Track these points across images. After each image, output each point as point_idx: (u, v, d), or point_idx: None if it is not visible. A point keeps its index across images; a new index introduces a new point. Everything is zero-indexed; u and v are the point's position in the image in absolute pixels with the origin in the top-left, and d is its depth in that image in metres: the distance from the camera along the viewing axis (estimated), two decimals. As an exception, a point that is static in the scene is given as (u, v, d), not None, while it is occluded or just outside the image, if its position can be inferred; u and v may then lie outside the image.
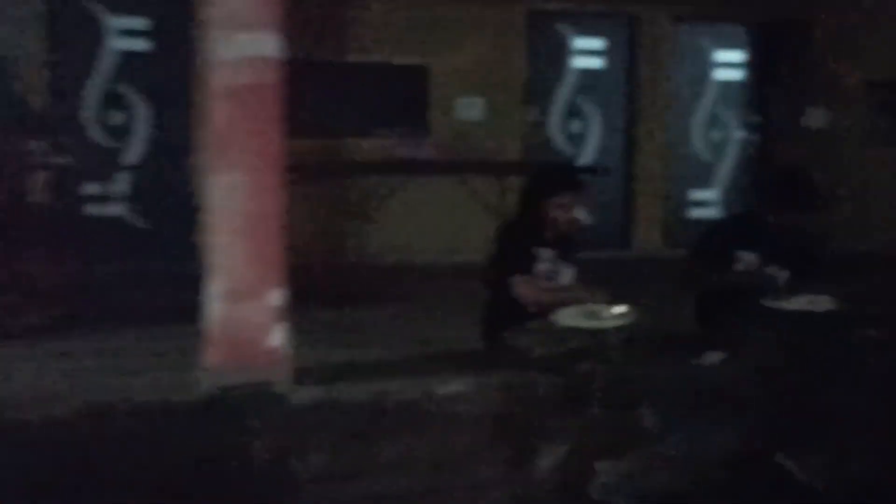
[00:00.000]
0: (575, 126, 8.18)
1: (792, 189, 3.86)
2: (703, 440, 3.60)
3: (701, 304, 4.02)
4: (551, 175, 3.82)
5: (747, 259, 3.97)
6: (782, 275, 4.00)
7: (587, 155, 8.22)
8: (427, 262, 6.45)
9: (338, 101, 6.89)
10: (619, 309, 3.48)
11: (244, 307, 3.40)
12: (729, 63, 8.63)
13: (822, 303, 3.77)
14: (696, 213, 8.55)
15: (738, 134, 8.66)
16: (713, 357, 3.84)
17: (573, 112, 8.16)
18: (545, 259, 3.62)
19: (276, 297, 3.45)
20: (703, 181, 8.63)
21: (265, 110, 3.33)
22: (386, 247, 6.74)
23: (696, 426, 3.63)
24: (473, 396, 3.49)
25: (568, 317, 3.43)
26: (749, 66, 8.65)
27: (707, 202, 8.62)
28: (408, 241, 6.71)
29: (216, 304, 3.40)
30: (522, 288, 3.53)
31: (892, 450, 3.88)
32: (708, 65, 8.57)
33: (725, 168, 8.66)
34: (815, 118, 8.57)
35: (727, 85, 8.63)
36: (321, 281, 5.30)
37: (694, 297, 4.04)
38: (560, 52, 8.09)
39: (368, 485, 3.12)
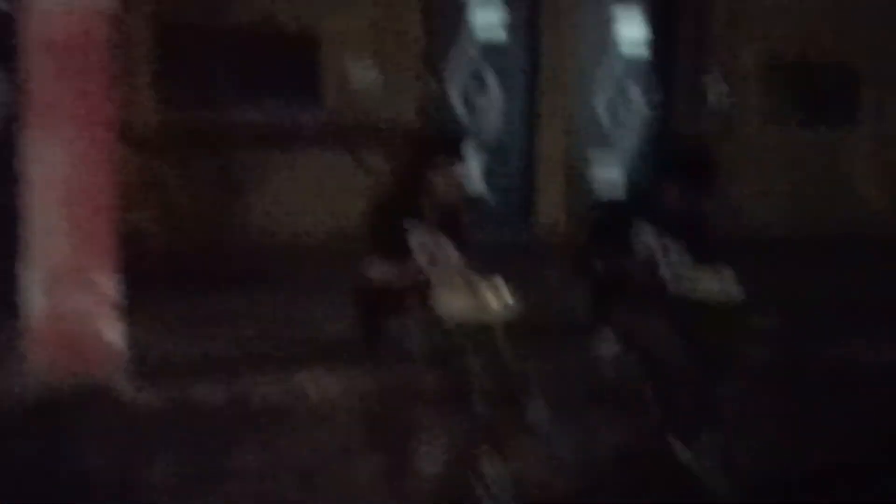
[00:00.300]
0: (475, 97, 7.83)
1: (692, 168, 3.59)
2: (594, 434, 3.34)
3: (597, 289, 3.73)
4: (429, 141, 3.42)
5: (646, 239, 3.69)
6: (682, 255, 3.75)
7: (488, 128, 7.90)
8: (315, 241, 6.00)
9: (219, 68, 6.33)
10: (509, 297, 3.14)
11: (69, 295, 2.92)
12: (632, 38, 8.42)
13: (726, 281, 3.53)
14: (600, 189, 8.35)
15: (642, 109, 8.48)
16: (609, 347, 3.56)
17: (474, 82, 7.80)
18: (421, 238, 3.23)
19: (107, 283, 2.97)
20: (607, 157, 8.43)
21: (93, 68, 2.84)
22: (270, 226, 6.26)
23: (587, 420, 3.36)
24: (349, 394, 3.11)
25: (451, 306, 3.07)
26: (652, 42, 8.47)
27: (611, 178, 8.43)
28: (294, 219, 6.23)
29: (37, 292, 2.91)
30: (381, 271, 3.13)
31: (786, 435, 3.73)
32: (611, 39, 8.34)
33: (629, 143, 8.49)
34: (717, 95, 8.47)
35: (630, 60, 8.42)
36: (194, 264, 4.81)
37: (590, 283, 3.74)
38: (460, 18, 7.71)
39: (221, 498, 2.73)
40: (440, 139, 3.41)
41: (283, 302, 4.35)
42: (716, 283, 3.50)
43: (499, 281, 3.19)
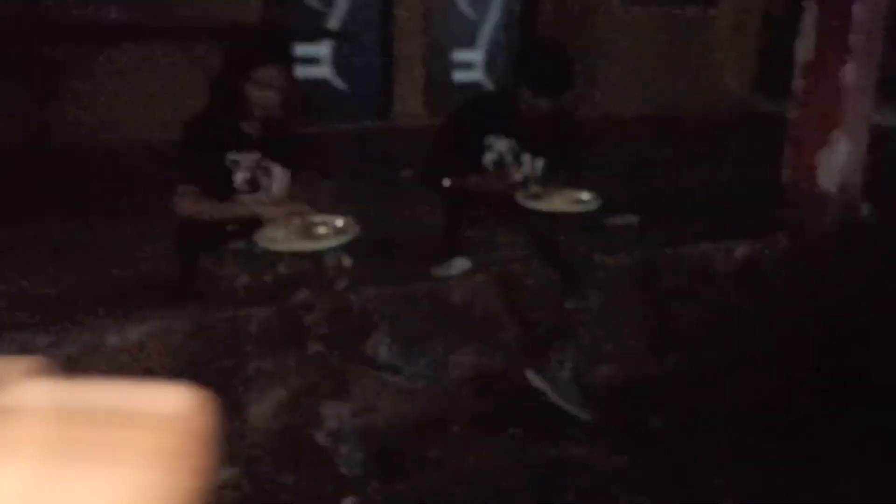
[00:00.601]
0: (322, -21, 7.22)
1: (544, 69, 3.27)
2: (444, 364, 3.13)
3: (447, 205, 3.45)
4: (247, 43, 2.95)
5: (500, 147, 3.41)
6: (538, 164, 3.50)
7: (338, 13, 7.33)
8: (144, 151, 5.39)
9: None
10: (340, 222, 2.81)
11: None
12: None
13: (583, 200, 3.31)
14: (459, 76, 7.99)
15: (502, -4, 8.09)
16: (458, 266, 3.31)
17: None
18: (241, 161, 2.82)
19: None
20: (467, 41, 8.04)
21: None
22: (93, 132, 5.59)
23: (436, 349, 3.15)
24: (162, 338, 2.74)
25: (275, 237, 2.72)
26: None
27: (471, 64, 8.07)
28: (112, 121, 5.56)
29: None
30: (183, 204, 2.73)
31: (646, 351, 3.66)
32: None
33: (489, 27, 8.11)
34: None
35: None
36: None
37: (440, 198, 3.45)
38: None
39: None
40: (257, 36, 2.93)
41: (101, 225, 3.84)
42: (570, 201, 3.30)
43: (333, 218, 2.86)
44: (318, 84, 7.38)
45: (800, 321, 3.77)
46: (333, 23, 7.34)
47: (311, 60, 7.34)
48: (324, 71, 7.45)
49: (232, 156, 2.80)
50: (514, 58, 3.40)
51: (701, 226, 4.08)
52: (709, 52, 8.87)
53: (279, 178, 2.92)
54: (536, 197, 3.29)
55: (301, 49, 7.20)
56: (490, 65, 8.03)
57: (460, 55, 7.97)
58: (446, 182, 3.32)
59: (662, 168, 5.75)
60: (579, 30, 8.07)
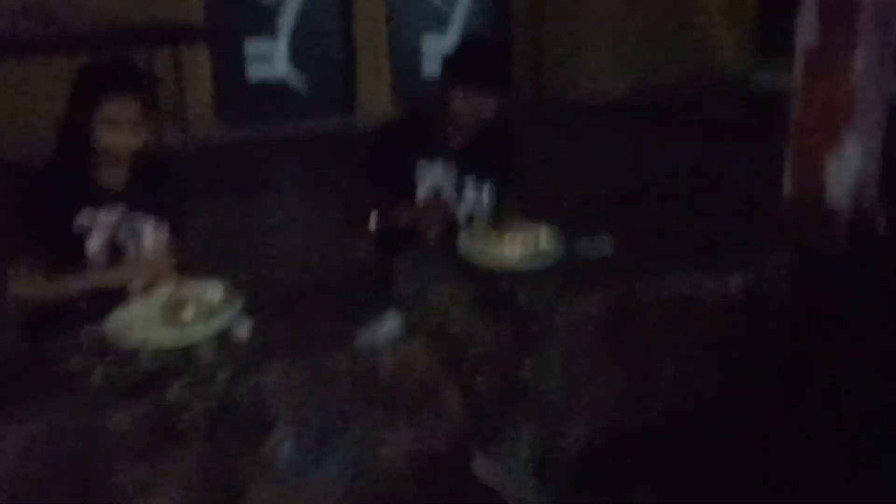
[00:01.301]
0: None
1: (476, 60, 2.70)
2: (368, 456, 2.55)
3: (376, 250, 2.86)
4: (92, 71, 2.31)
5: (435, 173, 2.82)
6: (484, 191, 2.91)
7: (292, 5, 6.69)
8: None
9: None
10: (221, 295, 2.23)
11: None
12: None
13: (544, 248, 2.74)
14: (429, 67, 7.36)
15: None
16: (387, 326, 2.72)
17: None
18: (95, 223, 2.24)
19: None
20: (436, 28, 7.39)
21: None
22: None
23: (357, 437, 2.56)
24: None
25: (130, 323, 2.13)
26: None
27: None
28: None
29: None
30: (20, 284, 2.16)
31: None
32: None
33: (461, 13, 7.46)
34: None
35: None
36: None
37: (367, 238, 2.86)
38: None
39: None
40: (102, 63, 2.30)
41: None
42: (525, 248, 2.70)
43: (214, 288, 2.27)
44: (272, 84, 6.78)
45: (806, 362, 3.17)
46: (287, 16, 6.71)
47: (264, 58, 6.73)
48: (279, 69, 6.82)
49: (82, 218, 2.21)
50: (442, 62, 2.79)
51: (686, 247, 3.47)
52: (702, 22, 8.19)
53: (150, 238, 2.32)
54: (483, 245, 2.69)
55: (254, 47, 6.61)
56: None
57: (431, 43, 7.33)
58: (372, 221, 2.73)
59: (644, 164, 5.15)
60: (561, 5, 7.42)
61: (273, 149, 6.19)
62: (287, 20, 6.68)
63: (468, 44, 2.94)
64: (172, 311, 2.14)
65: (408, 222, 2.69)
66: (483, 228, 2.78)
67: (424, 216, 2.70)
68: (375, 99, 6.91)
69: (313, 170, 5.09)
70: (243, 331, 2.76)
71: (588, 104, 7.08)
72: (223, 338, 2.23)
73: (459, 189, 2.84)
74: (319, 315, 2.84)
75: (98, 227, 2.23)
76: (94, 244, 2.23)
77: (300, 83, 6.88)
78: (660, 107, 7.11)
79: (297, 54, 6.78)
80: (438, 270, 2.74)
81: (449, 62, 2.75)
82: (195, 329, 2.10)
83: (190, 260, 2.43)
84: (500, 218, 2.85)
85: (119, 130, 2.17)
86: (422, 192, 2.77)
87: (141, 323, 2.12)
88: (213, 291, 2.22)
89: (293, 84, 6.84)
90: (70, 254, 2.20)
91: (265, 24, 6.62)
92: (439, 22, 7.33)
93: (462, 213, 2.84)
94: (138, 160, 2.33)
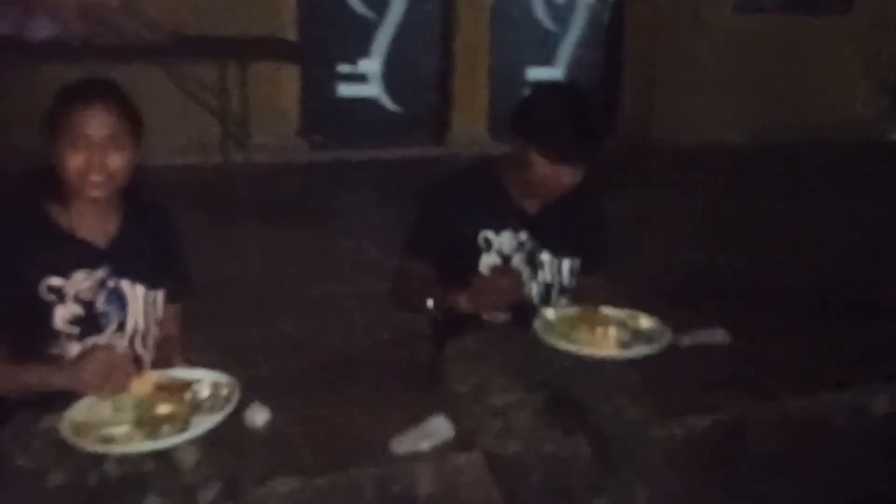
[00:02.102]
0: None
1: (563, 122, 2.13)
2: None
3: (431, 336, 2.35)
4: (63, 91, 1.83)
5: (504, 244, 2.30)
6: (565, 269, 2.36)
7: (390, 21, 6.29)
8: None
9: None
10: (212, 386, 1.75)
11: None
12: None
13: (642, 331, 2.19)
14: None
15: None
16: (434, 434, 2.19)
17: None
18: (67, 286, 1.79)
19: None
20: (543, 56, 6.87)
21: None
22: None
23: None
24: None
25: (97, 420, 1.67)
26: None
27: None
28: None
29: None
30: None
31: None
32: None
33: (570, 44, 6.92)
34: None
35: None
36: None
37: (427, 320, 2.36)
38: None
39: None
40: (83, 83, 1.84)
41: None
42: (609, 335, 2.14)
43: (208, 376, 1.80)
44: (365, 104, 6.39)
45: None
46: (385, 32, 6.32)
47: (359, 77, 6.35)
48: (372, 89, 6.43)
49: (51, 280, 1.77)
50: (516, 110, 2.25)
51: (816, 351, 2.83)
52: (834, 69, 7.40)
53: (135, 305, 1.87)
54: (561, 333, 2.15)
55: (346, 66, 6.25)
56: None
57: (535, 72, 6.81)
58: (429, 303, 2.22)
59: (763, 227, 4.48)
60: (676, 44, 6.80)
61: (354, 173, 5.78)
62: (383, 39, 6.29)
63: (559, 94, 2.28)
64: (147, 406, 1.68)
65: (468, 302, 2.17)
66: (561, 312, 2.24)
67: (488, 294, 2.17)
68: (470, 129, 6.43)
69: (392, 201, 4.62)
70: (257, 420, 2.31)
71: (700, 151, 6.42)
72: (212, 441, 1.75)
73: (533, 263, 2.30)
74: (352, 408, 2.34)
75: (71, 292, 1.78)
76: (65, 314, 1.77)
77: (392, 105, 6.47)
78: (781, 157, 6.39)
79: (392, 75, 6.38)
80: (502, 364, 2.21)
81: (530, 113, 2.20)
82: (172, 432, 1.63)
83: (187, 335, 1.97)
84: (583, 300, 2.30)
85: (83, 151, 1.70)
86: (486, 265, 2.25)
87: (108, 418, 1.66)
88: (205, 382, 1.75)
89: (385, 105, 6.44)
90: (36, 323, 1.77)
91: (360, 43, 6.26)
92: (546, 51, 6.81)
93: (536, 292, 2.30)
94: (128, 207, 1.88)
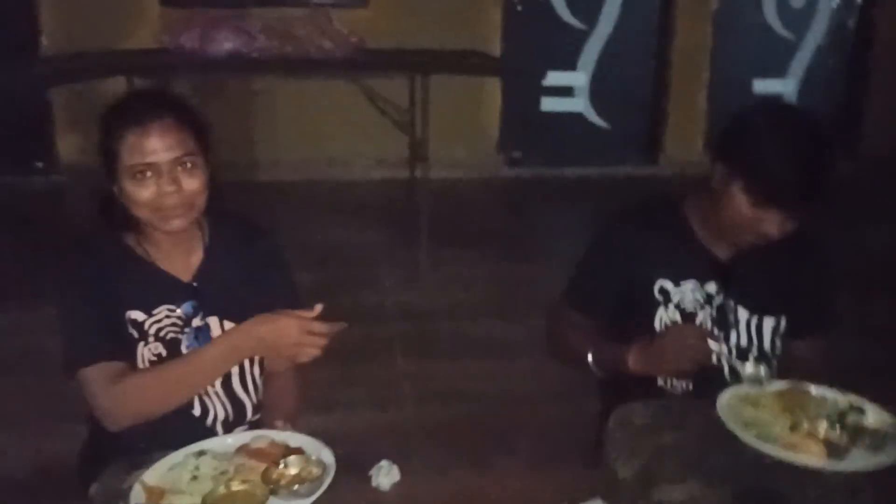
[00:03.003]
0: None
1: (782, 161, 1.64)
2: None
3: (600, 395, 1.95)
4: (111, 111, 1.55)
5: (687, 296, 1.87)
6: (765, 330, 1.89)
7: (601, 29, 5.88)
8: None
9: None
10: (307, 464, 1.48)
11: None
12: None
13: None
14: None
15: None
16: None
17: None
18: (149, 323, 1.60)
19: None
20: (774, 67, 6.15)
21: None
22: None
23: None
24: None
25: (166, 490, 1.44)
26: None
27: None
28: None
29: None
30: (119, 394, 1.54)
31: None
32: None
33: (808, 48, 6.15)
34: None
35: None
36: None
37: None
38: None
39: None
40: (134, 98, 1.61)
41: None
42: (826, 429, 1.64)
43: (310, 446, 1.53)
44: (570, 119, 6.03)
45: None
46: (595, 43, 5.92)
47: (564, 91, 5.99)
48: (578, 103, 6.05)
49: (133, 313, 1.57)
50: (723, 129, 1.79)
51: None
52: None
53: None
54: (757, 412, 1.68)
55: (553, 76, 5.92)
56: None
57: (763, 85, 6.11)
58: (589, 357, 1.83)
59: None
60: None
61: (553, 192, 5.44)
62: (592, 50, 5.89)
63: (781, 116, 1.76)
64: (227, 479, 1.43)
65: (639, 364, 1.76)
66: (758, 384, 1.76)
67: (665, 355, 1.75)
68: (685, 147, 5.88)
69: (591, 225, 4.21)
70: (383, 482, 2.02)
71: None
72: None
73: (724, 321, 1.85)
74: (495, 475, 1.99)
75: (153, 330, 1.58)
76: (148, 353, 1.57)
77: (599, 120, 6.05)
78: None
79: (599, 88, 5.97)
80: (678, 446, 1.77)
81: (740, 136, 1.74)
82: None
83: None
84: (788, 373, 1.81)
85: (150, 181, 1.47)
86: (662, 322, 1.82)
87: (181, 487, 1.43)
88: (298, 458, 1.47)
89: (591, 120, 6.04)
90: (126, 355, 1.56)
91: (567, 54, 5.90)
92: (778, 61, 6.09)
93: (725, 356, 1.84)
94: (212, 232, 1.65)
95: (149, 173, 1.48)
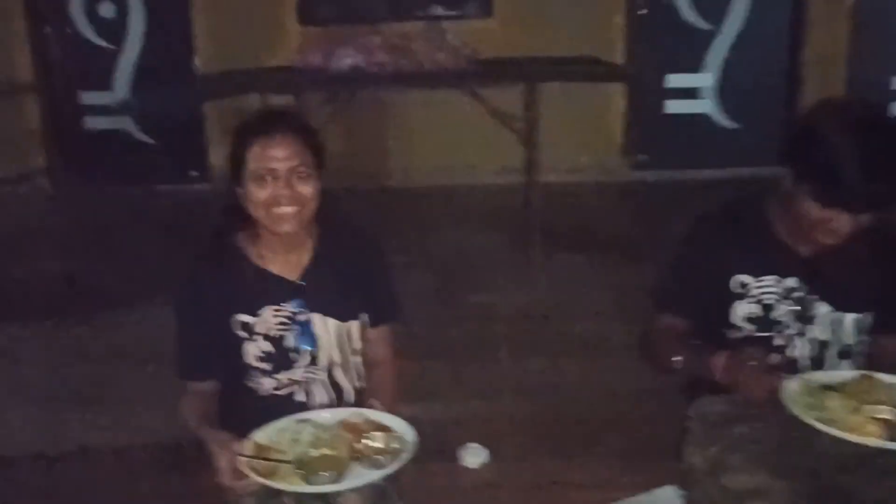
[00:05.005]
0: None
1: (854, 163, 1.68)
2: None
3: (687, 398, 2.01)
4: (243, 125, 1.79)
5: (767, 291, 1.91)
6: (847, 324, 1.91)
7: (728, 31, 5.80)
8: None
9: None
10: (384, 440, 1.65)
11: None
12: None
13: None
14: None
15: None
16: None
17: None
18: (257, 322, 1.83)
19: None
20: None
21: None
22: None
23: None
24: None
25: (272, 449, 1.66)
26: None
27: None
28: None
29: None
30: (183, 406, 1.83)
31: None
32: None
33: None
34: None
35: None
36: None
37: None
38: None
39: None
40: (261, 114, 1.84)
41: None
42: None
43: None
44: (696, 120, 5.97)
45: None
46: (722, 43, 5.84)
47: (690, 92, 5.95)
48: (705, 105, 5.98)
49: (241, 316, 1.80)
50: (789, 140, 1.83)
51: None
52: None
53: (326, 339, 1.84)
54: (816, 401, 1.72)
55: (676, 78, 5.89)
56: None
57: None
58: (677, 362, 1.90)
59: None
60: None
61: (679, 195, 5.39)
62: (719, 50, 5.81)
63: (849, 117, 1.74)
64: (318, 444, 1.63)
65: (725, 374, 1.80)
66: (825, 376, 1.79)
67: (739, 387, 1.77)
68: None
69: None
70: (471, 461, 2.18)
71: None
72: (384, 492, 1.64)
73: (804, 315, 1.88)
74: (578, 464, 2.11)
75: (260, 329, 1.78)
76: (255, 350, 1.78)
77: (727, 121, 5.96)
78: None
79: (728, 89, 5.87)
80: (751, 438, 1.83)
81: (805, 141, 1.77)
82: (326, 480, 1.56)
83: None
84: (877, 369, 1.82)
85: (270, 185, 1.70)
86: (741, 315, 1.88)
87: (283, 447, 1.64)
88: (384, 434, 1.65)
89: (718, 121, 5.96)
90: (232, 357, 1.79)
91: (693, 55, 5.84)
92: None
93: (804, 352, 1.88)
94: (321, 236, 1.85)
95: (269, 177, 1.71)
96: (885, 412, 1.64)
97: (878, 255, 1.88)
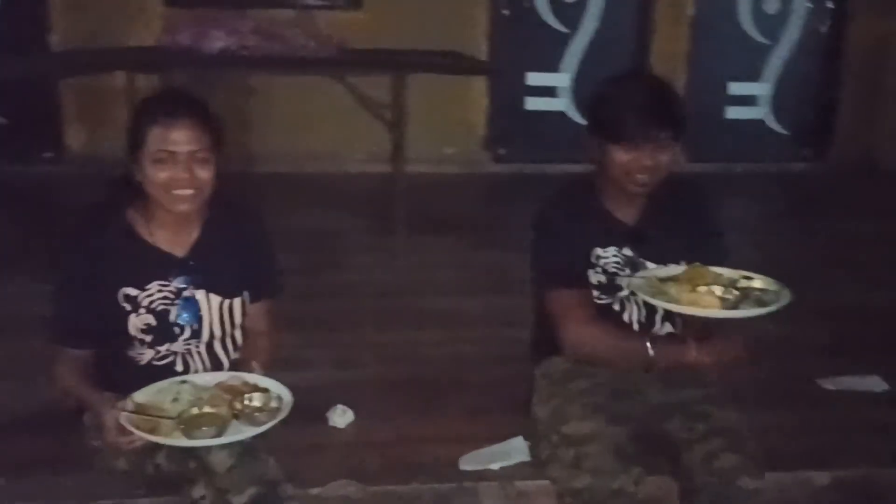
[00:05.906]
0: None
1: (633, 96, 2.01)
2: None
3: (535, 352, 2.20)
4: (142, 105, 1.87)
5: (609, 262, 2.14)
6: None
7: (582, 33, 6.17)
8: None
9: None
10: (258, 399, 1.77)
11: None
12: None
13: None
14: None
15: None
16: (505, 454, 2.08)
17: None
18: (142, 296, 1.89)
19: None
20: (748, 70, 6.43)
21: None
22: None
23: None
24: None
25: (152, 407, 1.75)
26: None
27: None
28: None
29: None
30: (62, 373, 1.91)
31: None
32: None
33: (781, 53, 6.42)
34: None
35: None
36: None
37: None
38: None
39: None
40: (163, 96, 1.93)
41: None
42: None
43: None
44: (553, 117, 6.31)
45: None
46: (576, 47, 6.19)
47: (547, 91, 6.27)
48: (560, 103, 6.33)
49: (127, 290, 1.86)
50: (587, 116, 2.14)
51: None
52: None
53: (209, 314, 1.92)
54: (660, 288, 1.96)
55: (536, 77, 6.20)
56: None
57: (738, 88, 6.40)
58: (648, 347, 2.01)
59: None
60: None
61: (536, 187, 5.70)
62: (574, 54, 6.17)
63: (622, 79, 2.14)
64: (199, 403, 1.73)
65: (702, 354, 1.94)
66: (664, 270, 2.04)
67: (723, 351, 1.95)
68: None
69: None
70: (339, 421, 2.33)
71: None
72: (250, 450, 1.75)
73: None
74: (435, 420, 2.29)
75: (145, 302, 1.84)
76: (138, 322, 1.84)
77: (582, 119, 6.32)
78: None
79: (581, 90, 6.24)
80: (588, 390, 2.06)
81: (596, 106, 2.07)
82: (206, 434, 1.66)
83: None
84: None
85: (169, 167, 1.74)
86: (592, 282, 2.09)
87: (163, 406, 1.73)
88: (262, 393, 1.77)
89: (573, 118, 6.31)
90: (114, 328, 1.85)
91: (551, 56, 6.18)
92: (753, 64, 6.34)
93: (636, 318, 2.12)
94: (209, 214, 1.91)
95: (169, 160, 1.75)
96: (717, 291, 1.90)
97: (685, 218, 2.15)
